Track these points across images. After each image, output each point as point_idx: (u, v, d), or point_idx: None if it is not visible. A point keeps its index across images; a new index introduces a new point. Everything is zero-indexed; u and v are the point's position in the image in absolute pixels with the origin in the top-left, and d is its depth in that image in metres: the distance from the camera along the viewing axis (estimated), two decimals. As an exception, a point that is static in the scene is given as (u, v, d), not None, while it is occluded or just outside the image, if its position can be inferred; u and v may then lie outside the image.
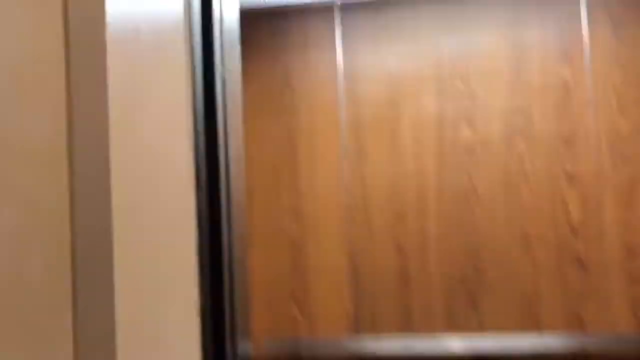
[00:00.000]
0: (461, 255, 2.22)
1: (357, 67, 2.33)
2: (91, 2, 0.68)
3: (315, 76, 2.34)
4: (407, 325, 2.23)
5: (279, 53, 2.37)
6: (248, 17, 2.24)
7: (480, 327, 2.18)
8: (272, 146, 2.32)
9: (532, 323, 2.16)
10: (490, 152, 2.22)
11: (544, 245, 2.17)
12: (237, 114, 1.23)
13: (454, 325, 2.20)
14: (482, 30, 2.27)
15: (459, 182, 2.24)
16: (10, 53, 0.63)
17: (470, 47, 2.27)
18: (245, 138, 1.21)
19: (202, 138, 1.04)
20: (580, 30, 2.21)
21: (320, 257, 2.29)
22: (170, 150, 0.94)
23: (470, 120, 2.25)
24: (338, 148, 2.29)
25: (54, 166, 0.68)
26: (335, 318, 2.27)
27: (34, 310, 0.65)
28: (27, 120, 0.65)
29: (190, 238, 1.00)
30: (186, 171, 1.00)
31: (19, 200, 0.64)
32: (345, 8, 2.34)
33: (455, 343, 2.16)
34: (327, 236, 2.29)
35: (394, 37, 2.31)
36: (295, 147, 2.31)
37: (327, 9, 2.35)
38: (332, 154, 2.29)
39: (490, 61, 2.26)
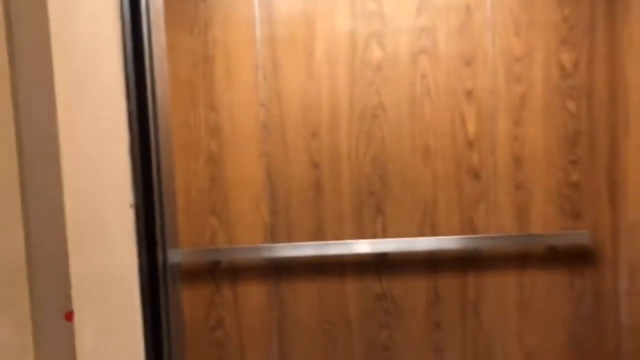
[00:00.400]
0: (369, 168, 2.40)
1: (272, -15, 2.37)
2: None
3: (231, -7, 2.37)
4: (319, 233, 2.42)
5: (194, -31, 2.36)
6: None
7: (385, 232, 2.40)
8: (188, 61, 2.35)
9: (430, 227, 2.40)
10: (397, 71, 2.37)
11: (443, 157, 2.38)
12: (159, 26, 1.29)
13: (361, 231, 2.41)
14: (392, -49, 2.35)
15: (368, 99, 2.38)
16: None
17: (380, -32, 2.36)
18: (157, 47, 1.27)
19: (129, 49, 1.10)
20: (482, -45, 2.34)
21: (238, 171, 2.41)
22: (102, 58, 1.00)
23: (380, 39, 2.37)
24: (254, 65, 2.36)
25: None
26: (253, 228, 2.42)
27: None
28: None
29: (123, 142, 1.07)
30: (116, 81, 1.06)
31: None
32: None
33: (362, 246, 2.37)
34: (244, 151, 2.40)
35: (308, -45, 2.36)
36: (211, 62, 2.36)
37: None
38: (248, 70, 2.36)
39: (399, -17, 2.36)
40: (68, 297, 0.84)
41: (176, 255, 1.49)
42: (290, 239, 2.42)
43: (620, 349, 2.38)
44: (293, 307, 2.43)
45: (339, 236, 2.41)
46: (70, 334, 0.85)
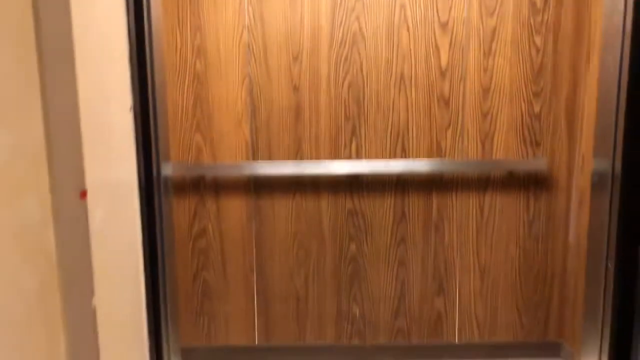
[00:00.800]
0: (347, 93, 2.54)
1: None
2: None
3: None
4: (298, 153, 2.58)
5: None
6: None
7: (359, 154, 2.58)
8: (176, -17, 2.43)
9: (401, 150, 2.58)
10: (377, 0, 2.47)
11: (416, 85, 2.53)
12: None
13: (337, 153, 2.58)
14: None
15: (348, 26, 2.49)
16: None
17: None
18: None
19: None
20: None
21: (222, 91, 2.54)
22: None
23: (362, -31, 2.46)
24: (239, -11, 2.45)
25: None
26: (235, 146, 2.58)
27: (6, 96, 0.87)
28: None
29: (124, 53, 1.20)
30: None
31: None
32: None
33: (337, 166, 2.55)
34: (228, 72, 2.52)
35: None
36: (198, -15, 2.44)
37: None
38: (233, -6, 2.45)
39: None
40: (82, 179, 1.00)
41: (166, 166, 1.65)
42: (270, 157, 2.58)
43: (566, 265, 2.64)
44: (271, 220, 2.63)
45: (316, 156, 2.58)
46: (84, 211, 1.01)
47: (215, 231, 2.63)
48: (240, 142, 2.58)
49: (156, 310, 1.41)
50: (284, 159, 2.58)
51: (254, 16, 2.48)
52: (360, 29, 2.50)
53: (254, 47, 2.51)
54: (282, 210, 2.62)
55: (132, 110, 1.24)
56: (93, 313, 1.04)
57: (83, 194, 1.00)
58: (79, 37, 1.00)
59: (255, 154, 2.59)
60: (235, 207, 2.62)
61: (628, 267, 1.37)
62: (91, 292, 1.03)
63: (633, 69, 1.33)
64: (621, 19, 1.37)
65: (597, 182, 1.50)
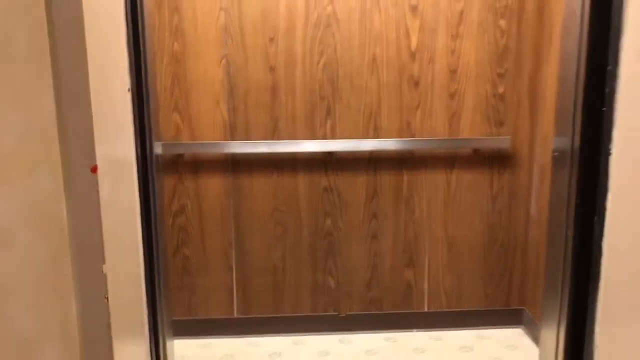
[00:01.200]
0: (321, 74, 2.63)
1: None
2: None
3: None
4: (274, 132, 2.67)
5: None
6: None
7: (333, 133, 2.68)
8: (155, -36, 2.46)
9: (374, 130, 2.69)
10: (350, -17, 2.56)
11: (388, 67, 2.64)
12: None
13: (313, 132, 2.68)
14: None
15: (323, 8, 2.57)
16: None
17: None
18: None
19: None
20: None
21: (200, 72, 2.59)
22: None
23: (335, -48, 2.54)
24: (216, -29, 2.50)
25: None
26: (213, 125, 2.64)
27: (19, 74, 0.93)
28: None
29: (122, 34, 1.27)
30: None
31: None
32: None
33: (313, 145, 2.65)
34: (206, 53, 2.58)
35: None
36: (176, -33, 2.48)
37: None
38: (210, -24, 2.50)
39: None
40: (93, 154, 1.08)
41: (157, 145, 1.72)
42: (247, 136, 2.66)
43: (527, 237, 2.81)
44: (249, 197, 2.71)
45: (292, 135, 2.67)
46: (95, 184, 1.09)
47: (194, 208, 2.70)
48: (218, 121, 2.64)
49: (152, 279, 1.50)
50: (261, 138, 2.66)
51: (230, -2, 2.54)
52: (334, 11, 2.58)
53: (231, 28, 2.57)
54: (259, 188, 2.71)
55: (129, 91, 1.31)
56: (104, 279, 1.12)
57: (94, 169, 1.08)
58: (87, 14, 1.07)
59: (232, 133, 2.66)
60: (213, 185, 2.69)
61: (585, 236, 1.51)
62: (102, 260, 1.11)
63: (590, 53, 1.46)
64: (579, 4, 1.50)
65: (558, 158, 1.64)
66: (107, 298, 1.13)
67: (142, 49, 1.39)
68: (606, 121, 1.40)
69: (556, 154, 1.65)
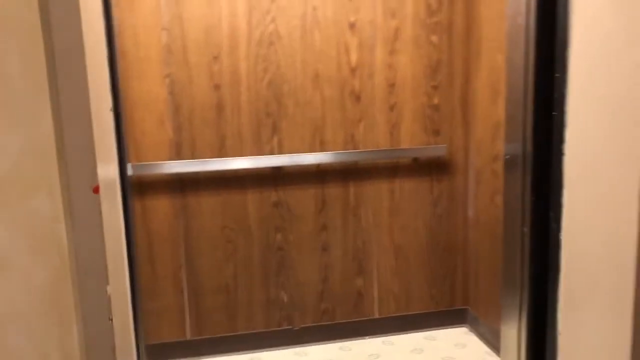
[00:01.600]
0: (266, 91, 2.67)
1: None
2: None
3: None
4: (221, 150, 2.67)
5: None
6: None
7: (281, 148, 2.72)
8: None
9: (319, 143, 2.75)
10: (291, 1, 2.62)
11: (330, 83, 2.72)
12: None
13: (260, 148, 2.70)
14: None
15: (265, 27, 2.62)
16: None
17: None
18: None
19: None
20: None
21: (144, 92, 2.55)
22: None
23: (275, -28, 2.60)
24: (158, -10, 2.48)
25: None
26: (158, 145, 2.60)
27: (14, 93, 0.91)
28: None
29: (104, 53, 1.24)
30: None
31: None
32: None
33: (260, 161, 2.67)
34: (149, 73, 2.54)
35: None
36: (117, -14, 2.43)
37: None
38: (153, -5, 2.48)
39: None
40: (95, 174, 1.06)
41: (129, 168, 1.69)
42: (194, 155, 2.64)
43: (467, 239, 2.97)
44: (198, 216, 2.69)
45: (239, 152, 2.68)
46: (97, 204, 1.07)
47: (141, 231, 2.64)
48: (163, 141, 2.61)
49: (134, 300, 1.46)
50: (208, 156, 2.65)
51: (171, 16, 2.52)
52: (276, 30, 2.63)
53: (174, 47, 2.55)
54: (208, 206, 2.69)
55: (112, 111, 1.29)
56: (108, 301, 1.10)
57: (96, 189, 1.06)
58: (85, 35, 1.06)
59: (178, 152, 2.63)
60: (161, 206, 2.64)
61: (542, 229, 1.65)
62: (106, 281, 1.10)
63: (538, 63, 1.60)
64: (524, 19, 1.64)
65: (510, 161, 1.77)
66: (112, 319, 1.11)
67: (116, 69, 1.38)
68: (557, 124, 1.54)
69: (508, 157, 1.79)
